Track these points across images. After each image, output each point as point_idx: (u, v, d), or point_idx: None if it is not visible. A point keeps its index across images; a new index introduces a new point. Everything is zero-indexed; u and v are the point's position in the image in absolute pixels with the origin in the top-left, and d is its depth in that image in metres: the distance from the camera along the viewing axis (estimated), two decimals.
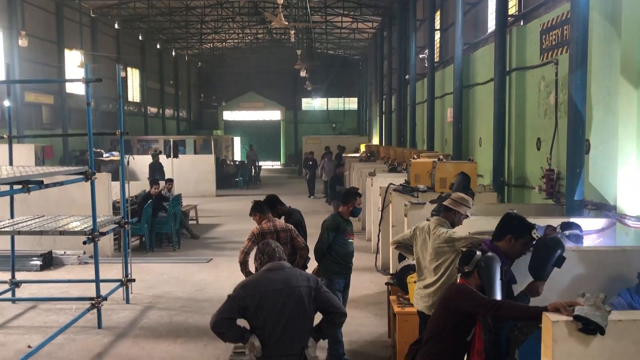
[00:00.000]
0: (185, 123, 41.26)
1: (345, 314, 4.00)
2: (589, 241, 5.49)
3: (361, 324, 7.72)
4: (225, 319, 3.78)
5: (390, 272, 7.99)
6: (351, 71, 44.11)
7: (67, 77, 21.46)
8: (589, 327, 2.84)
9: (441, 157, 10.74)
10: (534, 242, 4.08)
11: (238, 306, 3.79)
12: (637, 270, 4.17)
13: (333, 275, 6.37)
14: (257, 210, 6.59)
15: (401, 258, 6.56)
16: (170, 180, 14.42)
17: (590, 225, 5.81)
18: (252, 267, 6.42)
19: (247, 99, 45.04)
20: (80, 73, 16.99)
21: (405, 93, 21.84)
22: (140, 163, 21.24)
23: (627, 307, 3.93)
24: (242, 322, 3.89)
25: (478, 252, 3.80)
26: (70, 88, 22.60)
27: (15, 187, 6.14)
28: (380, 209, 10.49)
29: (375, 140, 31.01)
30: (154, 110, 34.21)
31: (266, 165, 34.53)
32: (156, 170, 19.37)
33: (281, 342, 3.78)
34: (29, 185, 6.15)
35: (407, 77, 21.37)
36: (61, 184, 7.53)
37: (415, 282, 5.45)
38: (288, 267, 4.03)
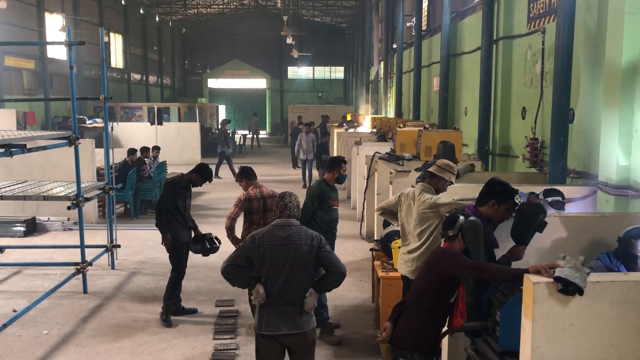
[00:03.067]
0: (169, 90, 40.75)
1: (344, 273, 4.17)
2: (570, 208, 5.58)
3: (345, 290, 7.82)
4: (233, 266, 4.10)
5: (375, 239, 8.07)
6: (338, 39, 43.66)
7: (48, 41, 21.00)
8: (568, 288, 2.91)
9: (427, 126, 10.76)
10: (516, 208, 4.13)
11: (245, 255, 4.12)
12: (616, 236, 4.26)
13: None
14: (244, 176, 6.59)
15: (386, 225, 6.62)
16: (156, 148, 14.32)
17: (572, 193, 5.90)
18: (238, 233, 6.49)
19: (232, 66, 44.48)
20: (62, 37, 16.60)
21: (392, 62, 21.71)
22: (124, 130, 21.02)
23: (605, 270, 4.03)
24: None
25: (461, 217, 3.85)
26: (52, 53, 22.14)
27: None
28: (365, 178, 10.55)
29: (362, 110, 30.93)
30: (137, 77, 33.71)
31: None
32: (227, 139, 19.20)
33: (283, 292, 4.06)
34: (12, 149, 6.05)
35: (394, 45, 21.22)
36: (44, 148, 7.44)
37: (399, 247, 5.51)
38: (295, 224, 4.24)
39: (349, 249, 9.79)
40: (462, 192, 5.48)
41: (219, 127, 20.17)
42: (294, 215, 4.28)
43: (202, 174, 6.89)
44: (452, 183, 5.36)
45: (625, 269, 4.05)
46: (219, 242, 7.07)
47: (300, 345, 4.17)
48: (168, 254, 6.88)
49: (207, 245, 6.99)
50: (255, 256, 4.09)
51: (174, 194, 6.76)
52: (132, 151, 12.94)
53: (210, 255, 7.14)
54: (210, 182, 7.05)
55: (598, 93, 6.29)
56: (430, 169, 5.36)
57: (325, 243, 4.23)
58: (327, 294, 6.46)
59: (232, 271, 4.10)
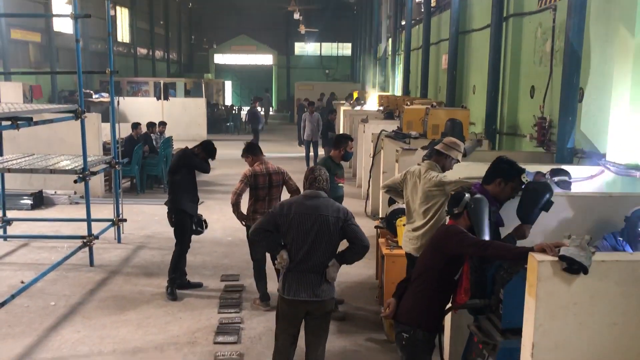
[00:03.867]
0: (175, 65, 40.53)
1: (367, 246, 4.32)
2: (577, 188, 5.55)
3: (349, 266, 7.76)
4: (261, 230, 4.30)
5: (380, 216, 8.08)
6: (346, 15, 43.10)
7: (54, 13, 20.84)
8: (573, 267, 2.91)
9: (434, 104, 10.70)
10: (522, 186, 4.12)
11: (274, 221, 4.28)
12: (622, 216, 4.25)
13: None
14: (250, 152, 6.57)
15: (391, 202, 6.62)
16: (163, 124, 14.31)
17: (579, 173, 5.86)
18: (243, 209, 6.50)
19: (238, 42, 44.11)
20: (68, 10, 16.48)
21: (400, 39, 21.49)
22: (130, 105, 21.00)
23: (611, 250, 4.02)
24: None
25: (467, 194, 3.84)
26: (58, 26, 22.01)
27: (4, 123, 6.05)
28: (371, 156, 10.52)
29: (370, 87, 30.71)
30: (143, 51, 33.52)
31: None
32: (257, 115, 19.04)
33: (306, 260, 4.23)
34: (18, 122, 6.06)
35: (402, 22, 20.97)
36: (51, 121, 7.45)
37: (404, 225, 5.52)
38: (324, 197, 4.37)
39: None
40: (469, 170, 5.45)
41: (251, 102, 20.13)
42: (323, 188, 4.40)
43: (205, 150, 6.89)
44: (458, 161, 5.34)
45: (631, 249, 4.05)
46: (206, 227, 7.09)
47: (318, 313, 4.33)
48: (172, 228, 6.92)
49: (195, 226, 6.99)
50: (282, 223, 4.24)
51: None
52: (136, 125, 12.95)
53: (206, 232, 7.17)
54: (213, 159, 7.05)
55: (609, 72, 6.22)
56: (436, 147, 5.33)
57: (351, 216, 4.35)
58: None
59: (260, 234, 4.30)
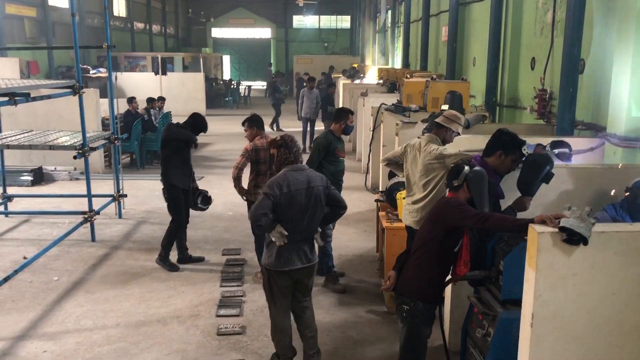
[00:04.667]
0: (173, 40, 40.13)
1: (346, 207, 4.66)
2: (577, 160, 5.55)
3: (350, 240, 7.91)
4: (262, 214, 4.27)
5: (380, 190, 8.09)
6: None
7: None
8: (573, 238, 2.92)
9: (434, 76, 10.61)
10: (523, 159, 4.12)
11: (273, 203, 4.28)
12: (622, 188, 4.25)
13: None
14: (253, 124, 6.50)
15: (391, 176, 6.62)
16: (161, 99, 14.23)
17: (579, 145, 5.86)
18: (244, 183, 6.51)
19: (236, 15, 43.59)
20: None
21: (400, 10, 21.24)
22: (128, 80, 20.85)
23: (610, 221, 4.04)
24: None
25: (467, 167, 3.85)
26: (53, 0, 21.74)
27: (1, 99, 6.01)
28: (371, 129, 10.48)
29: (369, 61, 30.47)
30: (140, 25, 33.15)
31: (256, 85, 34.14)
32: (277, 90, 18.82)
33: (304, 231, 4.39)
34: (16, 98, 6.02)
35: None
36: (49, 97, 7.39)
37: (404, 198, 5.52)
38: (306, 168, 4.55)
39: (354, 200, 9.82)
40: (469, 143, 5.44)
41: (272, 77, 19.96)
42: (301, 160, 4.56)
43: (193, 125, 6.81)
44: (458, 134, 5.32)
45: (631, 220, 4.06)
46: (210, 203, 7.07)
47: (307, 276, 4.54)
48: (167, 204, 6.91)
49: (198, 201, 6.97)
50: (283, 202, 4.27)
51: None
52: (131, 99, 12.87)
53: (206, 208, 7.16)
54: (205, 132, 6.99)
55: (610, 42, 6.15)
56: (437, 120, 5.31)
57: (329, 182, 4.59)
58: (333, 244, 6.57)
59: (262, 218, 4.23)
